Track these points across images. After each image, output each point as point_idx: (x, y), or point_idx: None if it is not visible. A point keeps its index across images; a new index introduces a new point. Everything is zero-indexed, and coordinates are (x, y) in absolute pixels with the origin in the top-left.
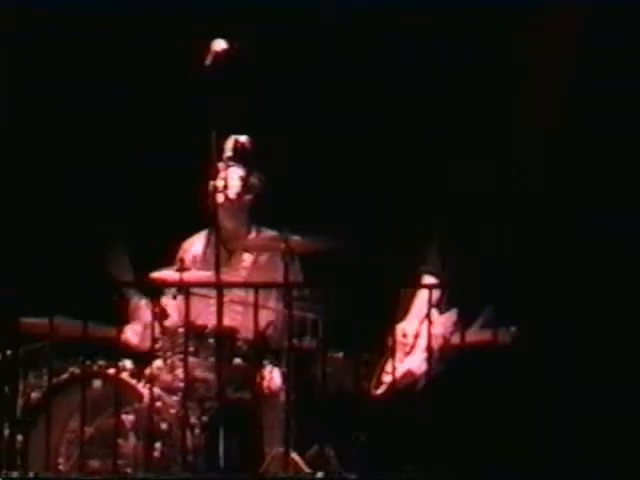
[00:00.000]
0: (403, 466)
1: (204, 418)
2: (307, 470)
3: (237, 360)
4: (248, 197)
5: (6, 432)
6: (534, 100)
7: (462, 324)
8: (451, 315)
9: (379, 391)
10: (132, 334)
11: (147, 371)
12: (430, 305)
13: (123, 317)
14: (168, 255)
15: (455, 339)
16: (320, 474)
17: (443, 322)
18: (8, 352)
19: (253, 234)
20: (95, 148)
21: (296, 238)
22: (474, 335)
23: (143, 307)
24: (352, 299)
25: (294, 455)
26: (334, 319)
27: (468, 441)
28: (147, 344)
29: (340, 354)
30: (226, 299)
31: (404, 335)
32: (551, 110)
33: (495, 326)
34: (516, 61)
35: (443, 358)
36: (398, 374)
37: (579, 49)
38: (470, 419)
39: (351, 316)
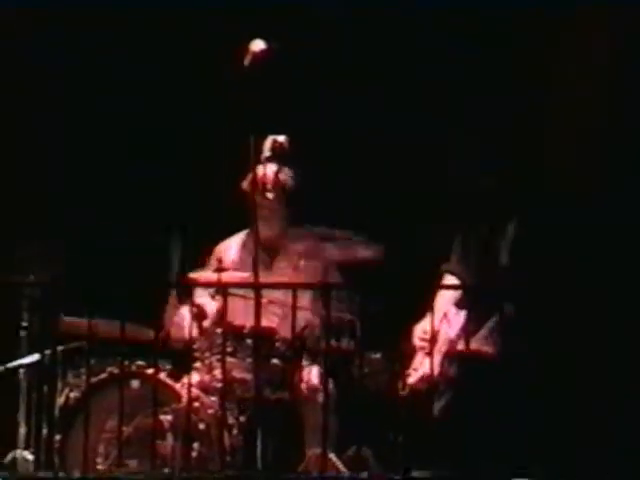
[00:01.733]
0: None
1: (242, 418)
2: (345, 470)
3: (275, 360)
4: (286, 198)
5: (45, 431)
6: (553, 102)
7: (472, 326)
8: (460, 317)
9: (404, 392)
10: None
11: (185, 371)
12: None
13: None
14: (205, 257)
15: (460, 345)
16: (364, 474)
17: (455, 323)
18: (47, 352)
19: (295, 236)
20: (134, 149)
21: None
22: (474, 344)
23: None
24: (386, 300)
25: (332, 455)
26: (371, 320)
27: (492, 441)
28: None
29: (377, 355)
30: (264, 300)
31: (425, 333)
32: (570, 111)
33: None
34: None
35: (453, 361)
36: (417, 377)
37: (607, 49)
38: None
39: (386, 316)
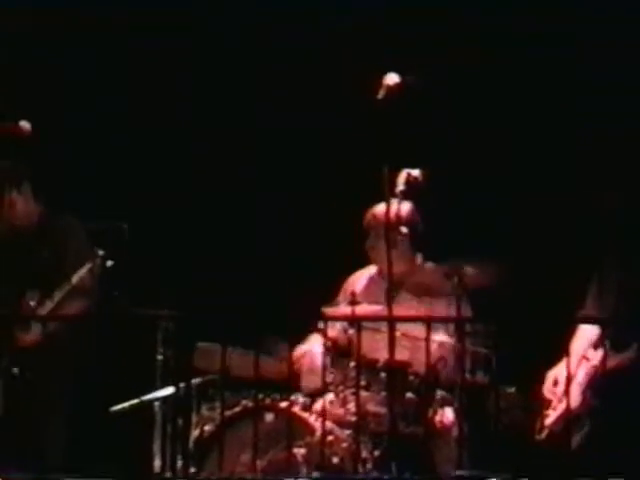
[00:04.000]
0: None
1: (376, 452)
2: None
3: (409, 394)
4: (418, 232)
5: (179, 464)
6: None
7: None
8: (598, 355)
9: (542, 435)
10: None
11: (319, 405)
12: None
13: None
14: (335, 290)
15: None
16: None
17: (594, 358)
18: (182, 385)
19: (423, 267)
20: (262, 179)
21: (469, 271)
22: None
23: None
24: (523, 334)
25: None
26: (506, 354)
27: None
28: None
29: (512, 389)
30: (398, 333)
31: (555, 383)
32: None
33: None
34: None
35: (597, 391)
36: (555, 418)
37: None
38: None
39: (523, 351)
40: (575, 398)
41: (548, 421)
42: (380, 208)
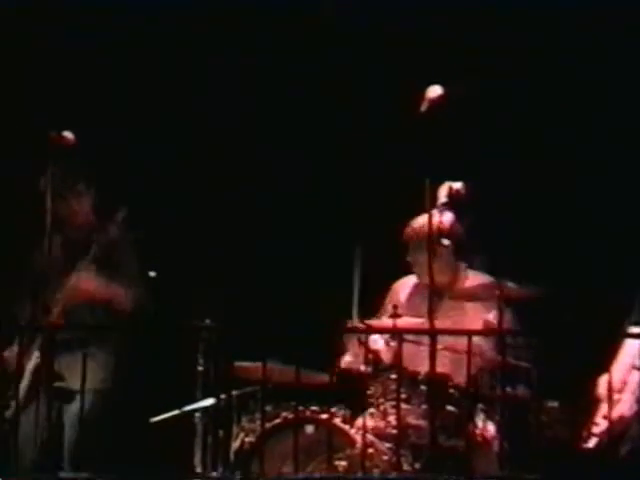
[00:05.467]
0: None
1: (417, 465)
2: None
3: (450, 407)
4: (460, 243)
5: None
6: None
7: None
8: None
9: (590, 444)
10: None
11: (359, 417)
12: None
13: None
14: (377, 301)
15: None
16: None
17: None
18: (222, 396)
19: (466, 279)
20: (311, 197)
21: (511, 285)
22: None
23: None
24: (564, 346)
25: None
26: (548, 367)
27: None
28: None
29: (555, 403)
30: (439, 346)
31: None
32: None
33: None
34: None
35: None
36: (605, 425)
37: None
38: None
39: (565, 364)
40: (629, 406)
41: (598, 429)
42: (419, 221)
